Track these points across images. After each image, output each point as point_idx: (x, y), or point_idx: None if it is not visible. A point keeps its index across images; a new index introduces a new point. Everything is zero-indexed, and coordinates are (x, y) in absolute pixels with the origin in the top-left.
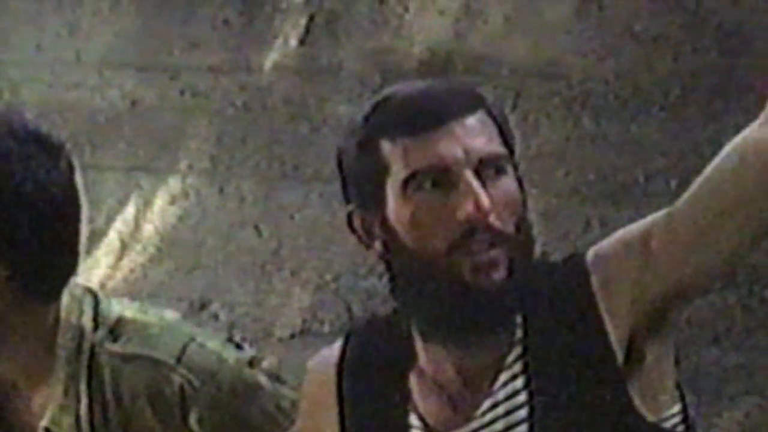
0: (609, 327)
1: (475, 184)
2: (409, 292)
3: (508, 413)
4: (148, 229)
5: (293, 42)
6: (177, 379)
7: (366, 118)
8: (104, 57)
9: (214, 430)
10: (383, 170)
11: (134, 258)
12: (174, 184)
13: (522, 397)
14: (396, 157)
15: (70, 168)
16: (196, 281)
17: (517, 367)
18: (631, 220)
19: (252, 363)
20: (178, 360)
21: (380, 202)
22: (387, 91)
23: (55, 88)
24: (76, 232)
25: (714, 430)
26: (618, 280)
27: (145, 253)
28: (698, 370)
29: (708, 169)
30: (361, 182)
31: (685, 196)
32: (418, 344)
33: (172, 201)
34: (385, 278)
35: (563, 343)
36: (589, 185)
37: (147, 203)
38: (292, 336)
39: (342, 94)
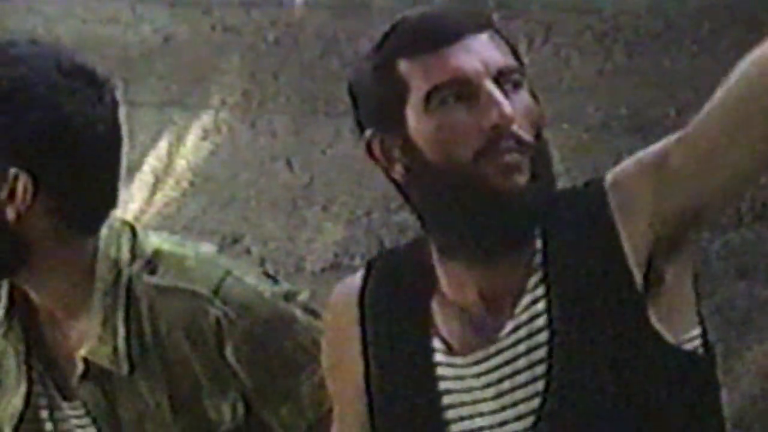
0: (627, 249)
1: (497, 92)
2: (434, 210)
3: (530, 336)
4: (180, 163)
5: None
6: (213, 312)
7: (380, 43)
8: None
9: (250, 362)
10: (402, 90)
11: (167, 192)
12: (206, 119)
13: (542, 321)
14: (415, 74)
15: (114, 103)
16: (229, 215)
17: (539, 291)
18: None
19: (287, 296)
20: (215, 292)
21: (400, 123)
22: (397, 17)
23: (89, 23)
24: (117, 167)
25: (743, 362)
26: (636, 200)
27: (178, 188)
28: (728, 303)
29: (723, 86)
30: (380, 106)
31: (701, 113)
32: (440, 270)
33: (205, 136)
34: None
35: (583, 266)
36: (620, 119)
37: (180, 138)
38: (324, 270)
39: (373, 29)
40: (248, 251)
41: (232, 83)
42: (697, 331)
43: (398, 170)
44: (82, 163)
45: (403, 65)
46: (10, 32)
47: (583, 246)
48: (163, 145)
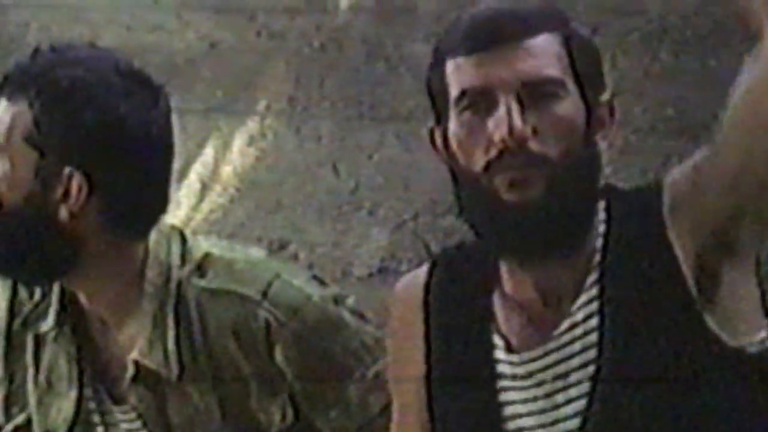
0: (678, 250)
1: (513, 107)
2: (468, 211)
3: (584, 334)
4: (227, 170)
5: None
6: (262, 314)
7: (438, 41)
8: (182, 0)
9: (299, 364)
10: (446, 89)
11: (214, 199)
12: (252, 125)
13: (595, 321)
14: (453, 75)
15: (168, 109)
16: (275, 221)
17: (594, 291)
18: None
19: (336, 300)
20: (264, 295)
21: (446, 119)
22: (443, 21)
23: (134, 31)
24: (168, 171)
25: None
26: (680, 205)
27: (225, 194)
28: None
29: (734, 91)
30: (435, 99)
31: (725, 118)
32: (502, 266)
33: (251, 142)
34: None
35: (636, 267)
36: (667, 121)
37: (226, 145)
38: (370, 275)
39: (418, 33)
40: (295, 257)
41: (278, 89)
42: (763, 333)
43: (448, 161)
44: (135, 166)
45: (448, 65)
46: (56, 40)
47: (638, 247)
48: (209, 151)
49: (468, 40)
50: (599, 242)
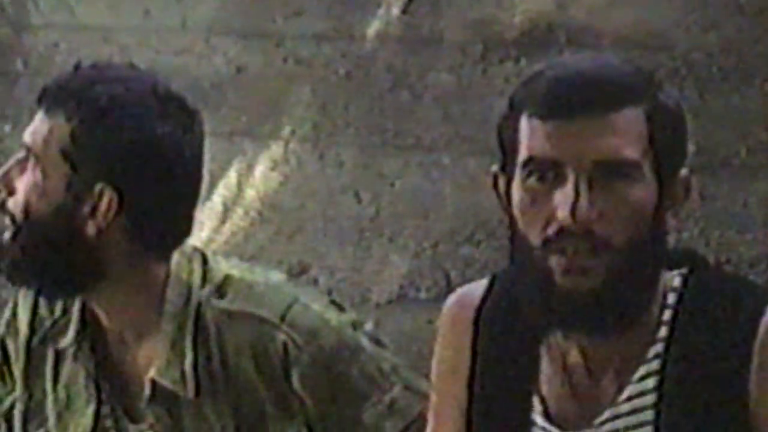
0: (751, 385)
1: (581, 188)
2: (515, 271)
3: (628, 429)
4: (250, 193)
5: (396, 11)
6: (281, 337)
7: (518, 88)
8: (210, 24)
9: (315, 388)
10: (517, 144)
11: (236, 222)
12: (276, 149)
13: (648, 415)
14: (525, 135)
15: (202, 134)
16: (296, 246)
17: (650, 383)
18: (732, 192)
19: (354, 325)
20: (282, 318)
21: (512, 171)
22: (550, 63)
23: (162, 54)
24: (196, 195)
25: None
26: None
27: (247, 218)
28: None
29: None
30: (504, 148)
31: None
32: None
33: (274, 166)
34: (483, 246)
35: (706, 362)
36: (690, 157)
37: (249, 168)
38: (389, 302)
39: (443, 63)
40: (315, 282)
41: (303, 115)
42: None
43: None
44: (166, 186)
45: (523, 121)
46: (85, 61)
47: (715, 346)
48: (232, 174)
49: (547, 103)
50: (667, 314)
